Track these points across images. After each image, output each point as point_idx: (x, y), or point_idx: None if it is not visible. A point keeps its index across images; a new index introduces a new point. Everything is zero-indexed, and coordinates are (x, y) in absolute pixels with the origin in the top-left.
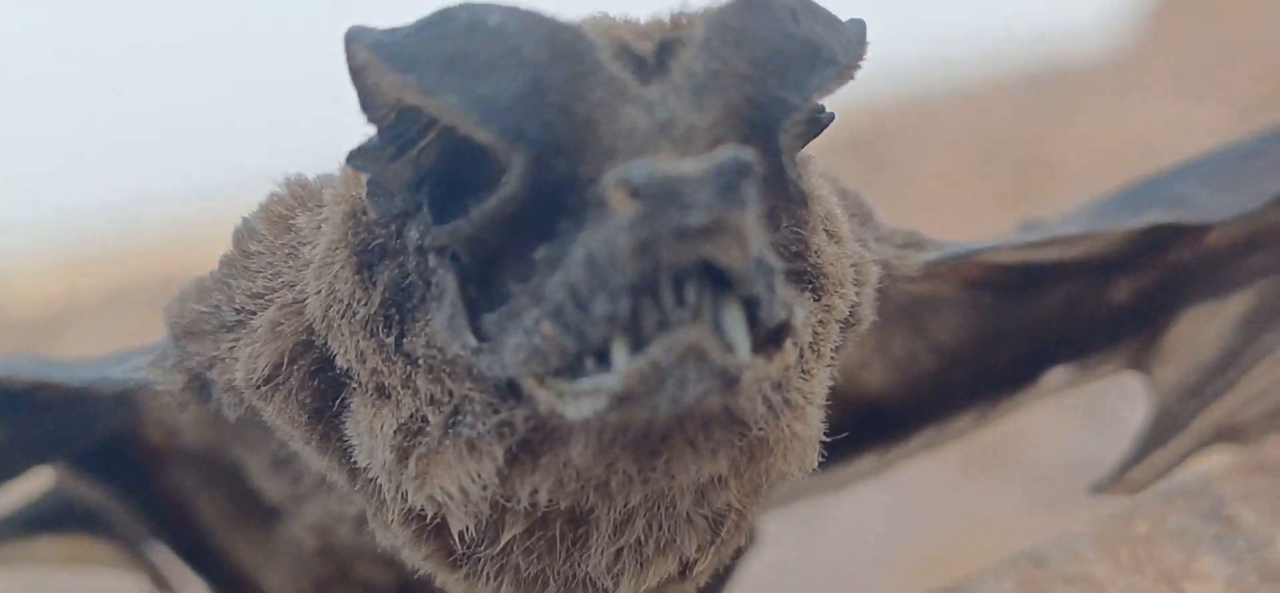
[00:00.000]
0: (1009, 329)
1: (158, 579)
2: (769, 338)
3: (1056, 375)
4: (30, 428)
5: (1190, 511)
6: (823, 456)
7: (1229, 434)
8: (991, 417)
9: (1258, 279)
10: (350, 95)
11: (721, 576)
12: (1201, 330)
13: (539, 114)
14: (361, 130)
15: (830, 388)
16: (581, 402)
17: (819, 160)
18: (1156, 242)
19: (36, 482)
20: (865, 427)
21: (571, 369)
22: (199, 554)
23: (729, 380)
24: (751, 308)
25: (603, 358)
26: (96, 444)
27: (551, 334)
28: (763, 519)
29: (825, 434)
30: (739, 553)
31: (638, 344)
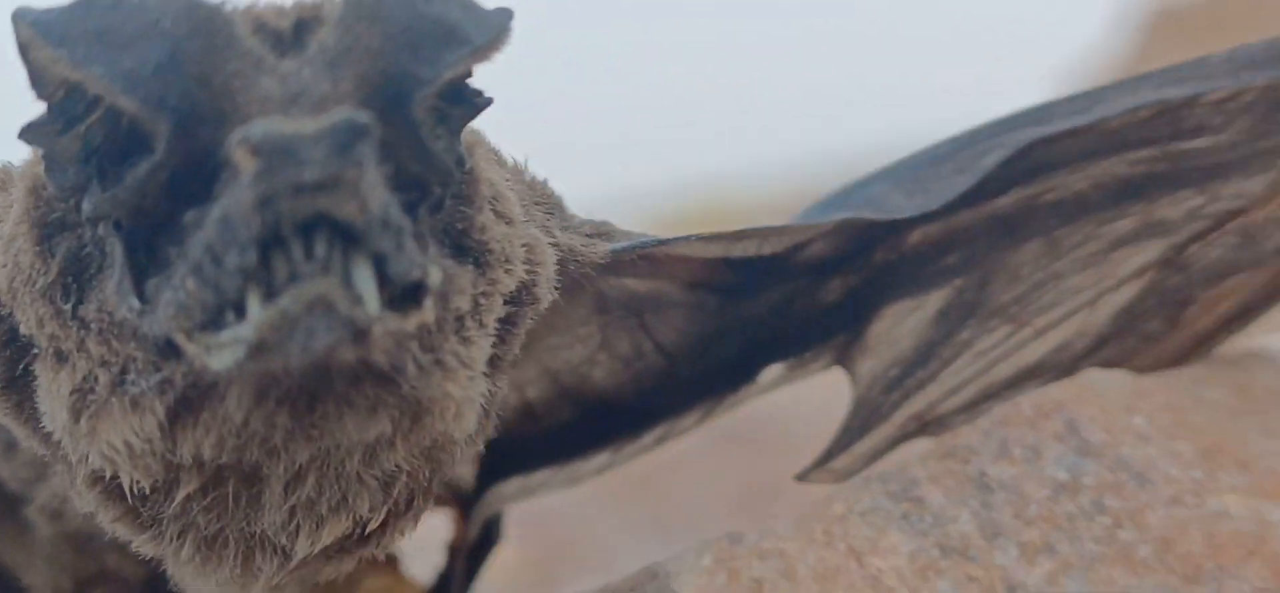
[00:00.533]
0: (726, 328)
1: None
2: (406, 295)
3: (772, 372)
4: None
5: (883, 492)
6: (560, 451)
7: (928, 425)
8: (715, 413)
9: (951, 278)
10: None
11: (470, 568)
12: (901, 327)
13: (178, 84)
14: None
15: (563, 387)
16: (223, 353)
17: (497, 148)
18: (857, 240)
19: None
20: (596, 424)
21: (214, 323)
22: None
23: (358, 331)
24: (382, 265)
25: (241, 311)
26: None
27: (193, 289)
28: (508, 517)
29: (562, 430)
30: (485, 549)
31: (272, 296)
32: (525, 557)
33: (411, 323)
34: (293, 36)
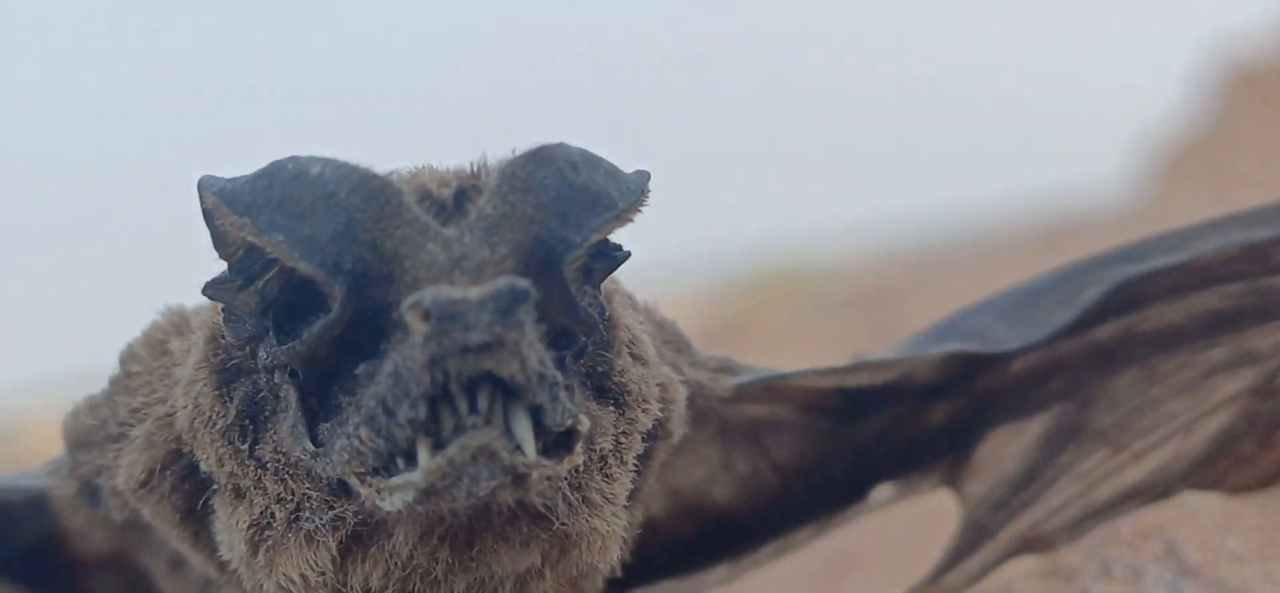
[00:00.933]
0: (840, 449)
1: None
2: (559, 442)
3: (882, 491)
4: None
5: None
6: (681, 564)
7: (1033, 544)
8: (828, 528)
9: (1054, 404)
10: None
11: None
12: (1007, 449)
13: (352, 250)
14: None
15: (684, 504)
16: (393, 496)
17: (631, 294)
18: (963, 369)
19: None
20: (716, 539)
21: (386, 468)
22: None
23: (518, 477)
24: (538, 415)
25: (411, 458)
26: (24, 552)
27: (367, 438)
28: None
29: (683, 544)
30: None
31: (439, 446)
32: None
33: (565, 467)
34: (454, 205)
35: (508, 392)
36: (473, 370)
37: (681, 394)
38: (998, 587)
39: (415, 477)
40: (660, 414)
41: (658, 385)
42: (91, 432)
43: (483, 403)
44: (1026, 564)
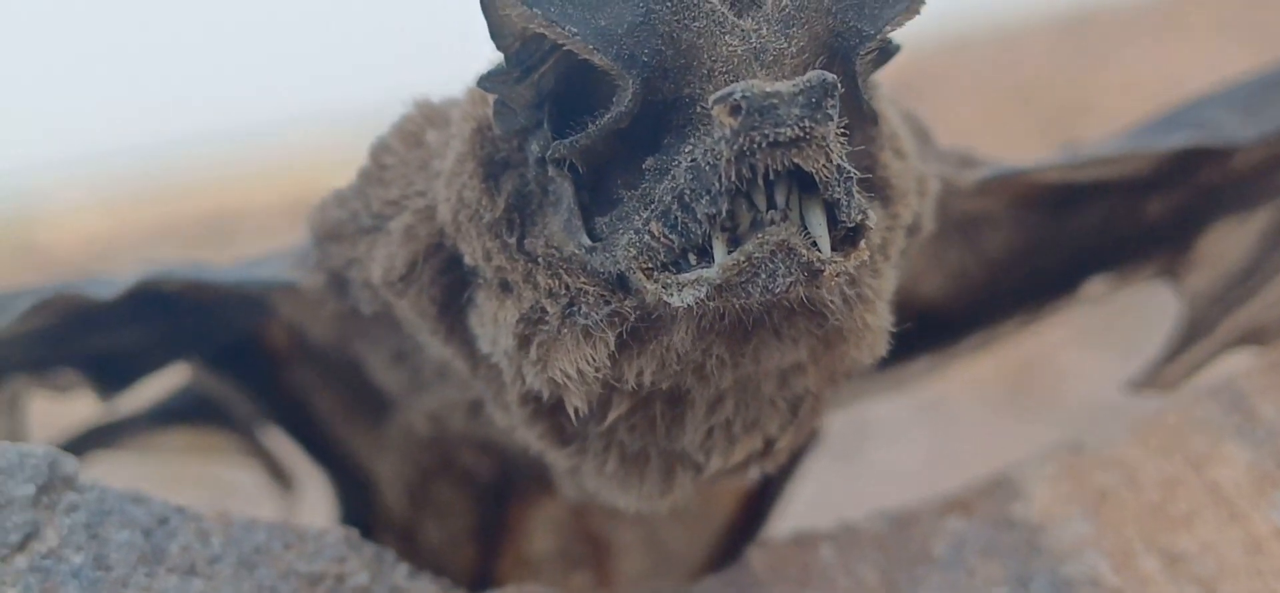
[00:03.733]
0: (1052, 242)
1: (273, 468)
2: (847, 238)
3: (1096, 284)
4: (176, 327)
5: (1215, 404)
6: (884, 357)
7: (1252, 336)
8: (1034, 322)
9: (1276, 197)
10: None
11: (785, 470)
12: (1227, 243)
13: (649, 42)
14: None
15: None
16: (685, 291)
17: (885, 86)
18: (1186, 163)
19: (173, 377)
20: (922, 331)
21: (676, 264)
22: (317, 444)
23: (813, 273)
24: (832, 211)
25: (703, 254)
26: (229, 344)
27: (660, 232)
28: (827, 418)
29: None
30: (802, 451)
31: (735, 241)
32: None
33: (853, 262)
34: None
35: (804, 187)
36: (781, 165)
37: (935, 189)
38: (1219, 382)
39: (711, 272)
40: (917, 209)
41: (916, 180)
42: (342, 224)
43: (780, 198)
44: (1245, 360)
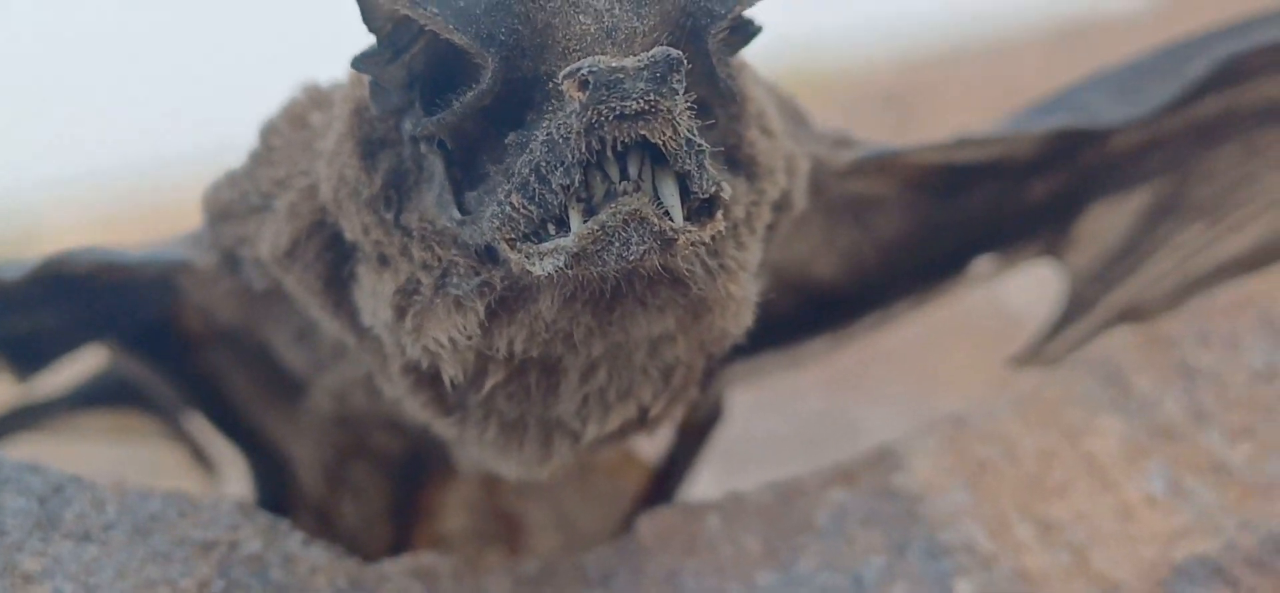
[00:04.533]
0: (941, 224)
1: (196, 452)
2: (702, 209)
3: (983, 264)
4: (86, 309)
5: (1092, 378)
6: (782, 336)
7: (1130, 314)
8: (926, 302)
9: (1154, 177)
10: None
11: (691, 447)
12: (1106, 223)
13: (506, 22)
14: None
15: (786, 279)
16: (545, 260)
17: (754, 67)
18: (1066, 145)
19: (91, 361)
20: (818, 311)
21: (536, 234)
22: (235, 427)
23: (666, 241)
24: (685, 182)
25: (561, 224)
26: (142, 326)
27: (519, 204)
28: (730, 396)
29: (784, 317)
30: (709, 426)
31: (590, 211)
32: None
33: (708, 233)
34: None
35: (656, 160)
36: (627, 137)
37: (804, 168)
38: (1098, 357)
39: (567, 241)
40: (785, 186)
41: (783, 158)
42: (233, 204)
43: (633, 170)
44: (1125, 336)
